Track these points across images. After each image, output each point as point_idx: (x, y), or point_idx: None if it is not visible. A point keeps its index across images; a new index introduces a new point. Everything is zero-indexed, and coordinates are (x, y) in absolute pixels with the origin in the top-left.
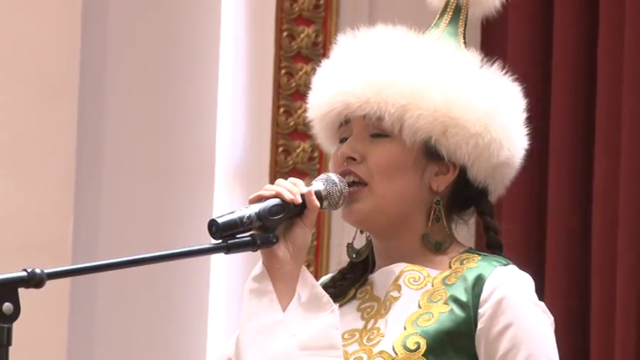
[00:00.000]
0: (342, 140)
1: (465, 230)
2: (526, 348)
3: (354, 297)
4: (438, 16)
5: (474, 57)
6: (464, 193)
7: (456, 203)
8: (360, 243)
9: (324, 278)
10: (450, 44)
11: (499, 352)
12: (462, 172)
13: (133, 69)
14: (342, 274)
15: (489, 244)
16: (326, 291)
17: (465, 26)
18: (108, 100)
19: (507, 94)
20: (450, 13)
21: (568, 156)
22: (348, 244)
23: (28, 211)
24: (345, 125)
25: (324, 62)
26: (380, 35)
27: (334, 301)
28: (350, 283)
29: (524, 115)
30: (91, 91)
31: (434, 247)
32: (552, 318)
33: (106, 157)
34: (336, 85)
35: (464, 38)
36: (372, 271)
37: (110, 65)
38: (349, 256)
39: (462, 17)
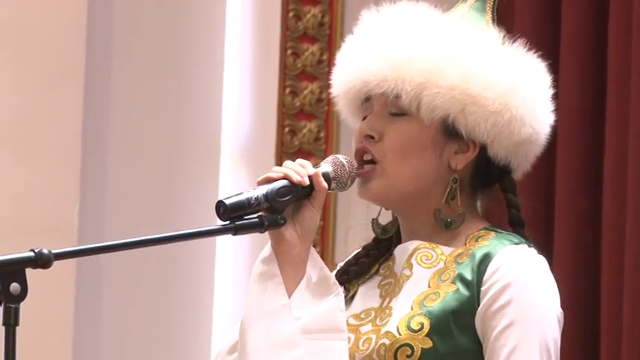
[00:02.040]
0: (365, 118)
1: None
2: (520, 327)
3: (376, 273)
4: None
5: (497, 34)
6: (486, 171)
7: (479, 180)
8: (385, 219)
9: (350, 257)
10: (475, 20)
11: (495, 329)
12: (483, 149)
13: (138, 52)
14: (367, 250)
15: (511, 222)
16: (349, 269)
17: (495, 2)
18: (113, 84)
19: (530, 70)
20: None
21: (577, 137)
22: (373, 219)
23: (35, 192)
24: (367, 102)
25: (348, 38)
26: (401, 12)
27: (356, 279)
28: (373, 260)
29: (550, 91)
30: (96, 74)
31: (444, 224)
32: (561, 310)
33: (112, 139)
34: (355, 63)
35: (492, 14)
36: (396, 246)
37: (116, 49)
38: (375, 232)
39: None
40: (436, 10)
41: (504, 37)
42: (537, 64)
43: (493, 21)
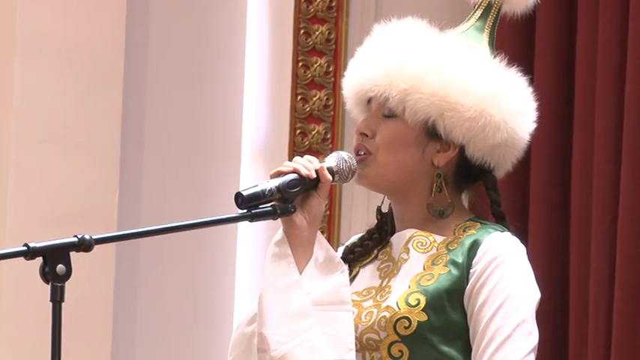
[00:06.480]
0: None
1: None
2: (501, 300)
3: (376, 257)
4: (473, 9)
5: (487, 51)
6: (467, 169)
7: (462, 177)
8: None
9: (354, 238)
10: (472, 37)
11: (478, 303)
12: (463, 149)
13: (170, 63)
14: (370, 233)
15: (493, 215)
16: (354, 249)
17: (495, 22)
18: (148, 91)
19: (508, 82)
20: (482, 9)
21: (549, 137)
22: (378, 207)
23: (80, 184)
24: (369, 104)
25: (359, 48)
26: (403, 27)
27: (359, 260)
28: (375, 243)
29: (531, 102)
30: (133, 82)
31: (438, 214)
32: (539, 294)
33: (147, 138)
34: (357, 70)
35: (490, 33)
36: (392, 235)
37: (150, 61)
38: (376, 217)
39: (492, 13)
40: (432, 27)
41: (494, 54)
42: (517, 78)
43: (490, 39)
